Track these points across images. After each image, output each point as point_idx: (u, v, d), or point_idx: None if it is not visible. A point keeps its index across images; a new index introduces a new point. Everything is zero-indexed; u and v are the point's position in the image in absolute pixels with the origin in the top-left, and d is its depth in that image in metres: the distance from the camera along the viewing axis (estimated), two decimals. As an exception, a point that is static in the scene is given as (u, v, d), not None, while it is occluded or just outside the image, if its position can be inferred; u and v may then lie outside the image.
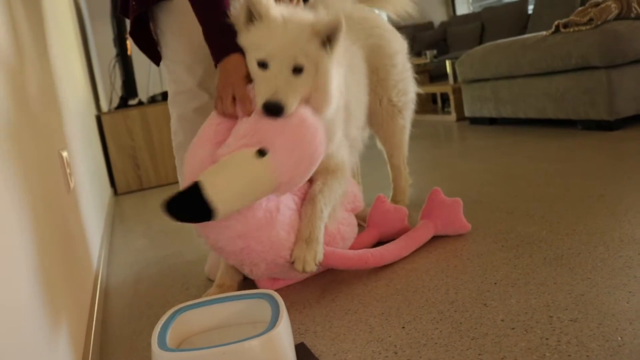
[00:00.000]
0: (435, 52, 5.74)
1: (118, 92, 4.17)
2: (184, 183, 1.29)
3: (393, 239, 1.58)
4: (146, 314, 1.48)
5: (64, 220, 1.31)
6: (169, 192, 1.25)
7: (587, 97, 2.88)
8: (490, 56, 3.55)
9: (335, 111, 1.41)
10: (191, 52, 1.55)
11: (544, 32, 3.16)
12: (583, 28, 2.86)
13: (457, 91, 4.33)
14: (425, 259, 1.51)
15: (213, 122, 1.36)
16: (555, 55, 2.99)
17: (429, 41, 6.59)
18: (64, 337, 0.99)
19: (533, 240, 1.50)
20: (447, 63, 4.61)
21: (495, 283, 1.28)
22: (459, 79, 4.00)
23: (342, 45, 1.33)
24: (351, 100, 1.61)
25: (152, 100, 4.03)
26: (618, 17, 2.83)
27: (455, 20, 6.88)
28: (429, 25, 7.26)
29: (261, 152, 1.23)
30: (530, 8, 5.56)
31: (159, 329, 1.04)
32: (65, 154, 1.55)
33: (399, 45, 1.88)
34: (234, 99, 1.34)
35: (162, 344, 0.99)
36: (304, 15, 1.34)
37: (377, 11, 1.99)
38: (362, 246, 1.57)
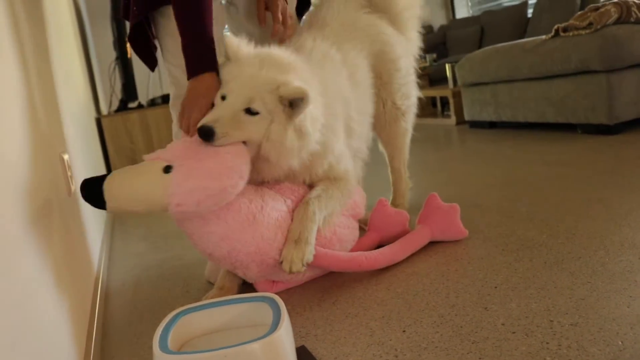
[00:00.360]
0: (434, 55, 5.75)
1: (118, 95, 4.18)
2: None
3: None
4: (147, 317, 1.48)
5: (64, 223, 1.31)
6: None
7: (587, 101, 2.89)
8: (489, 60, 3.56)
9: (329, 128, 1.44)
10: None
11: (544, 36, 3.17)
12: (582, 32, 2.86)
13: (457, 95, 4.34)
14: (425, 262, 1.52)
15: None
16: (555, 59, 2.99)
17: (428, 45, 6.58)
18: (65, 340, 0.99)
19: (533, 244, 1.50)
20: (447, 67, 4.61)
21: (496, 287, 1.28)
22: (459, 82, 4.00)
23: (308, 108, 1.33)
24: (353, 116, 1.62)
25: (152, 103, 4.04)
26: (618, 22, 2.83)
27: (454, 23, 6.89)
28: (429, 28, 7.26)
29: (167, 169, 1.26)
30: (530, 12, 5.57)
31: (160, 332, 1.05)
32: (66, 156, 1.55)
33: (403, 49, 1.89)
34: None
35: (164, 347, 0.99)
36: (279, 67, 1.35)
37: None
38: (362, 249, 1.57)
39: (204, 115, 1.32)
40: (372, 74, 1.79)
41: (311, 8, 1.88)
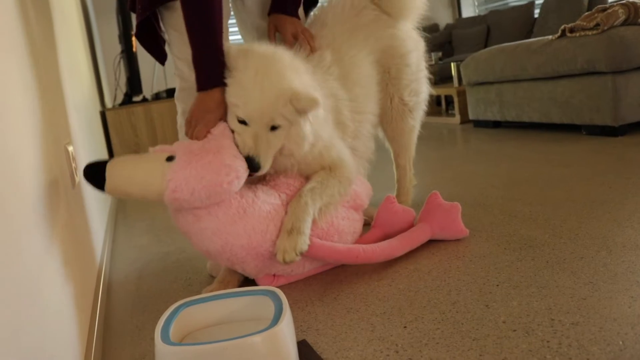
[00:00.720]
0: (440, 54, 5.74)
1: (122, 88, 4.18)
2: None
3: (396, 240, 1.58)
4: (149, 309, 1.49)
5: (68, 214, 1.32)
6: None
7: (592, 103, 2.88)
8: (495, 59, 3.55)
9: (317, 117, 1.45)
10: None
11: (550, 37, 3.16)
12: (589, 33, 2.86)
13: (462, 94, 4.34)
14: (427, 259, 1.52)
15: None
16: (561, 59, 2.99)
17: (434, 43, 6.58)
18: (68, 331, 1.00)
19: (536, 244, 1.50)
20: (452, 65, 4.61)
21: (498, 285, 1.28)
22: (464, 81, 4.00)
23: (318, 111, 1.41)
24: (345, 113, 1.63)
25: (156, 97, 4.04)
26: (625, 23, 2.83)
27: (460, 22, 6.87)
28: (434, 27, 7.25)
29: (170, 158, 1.32)
30: (537, 12, 5.55)
31: (162, 324, 1.05)
32: (71, 148, 1.56)
33: (413, 44, 1.87)
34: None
35: (166, 339, 1.00)
36: (280, 73, 1.36)
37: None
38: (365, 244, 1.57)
39: (209, 129, 1.39)
40: (377, 71, 1.78)
41: (319, 4, 1.87)
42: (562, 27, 3.06)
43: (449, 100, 5.18)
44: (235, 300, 1.16)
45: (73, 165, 1.54)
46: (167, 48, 1.65)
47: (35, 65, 1.27)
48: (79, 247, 1.37)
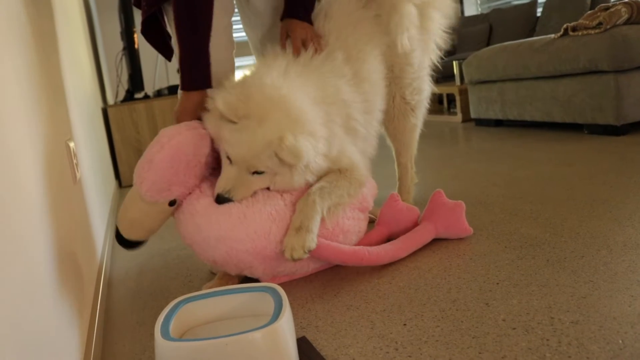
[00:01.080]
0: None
1: (124, 85, 4.18)
2: None
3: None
4: (149, 305, 1.49)
5: (69, 210, 1.32)
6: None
7: (595, 102, 2.88)
8: (497, 58, 3.55)
9: (325, 126, 1.44)
10: None
11: (553, 35, 3.16)
12: (592, 32, 2.85)
13: (464, 92, 4.33)
14: (428, 257, 1.52)
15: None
16: (563, 58, 2.98)
17: (436, 42, 6.57)
18: (68, 326, 1.00)
19: (536, 242, 1.50)
20: (454, 64, 4.60)
21: (498, 283, 1.28)
22: (466, 80, 3.99)
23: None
24: (356, 117, 1.60)
25: (158, 94, 4.03)
26: (628, 22, 2.82)
27: (463, 21, 6.86)
28: (437, 25, 7.23)
29: (172, 203, 1.43)
30: (539, 10, 5.54)
31: (162, 319, 1.05)
32: (72, 144, 1.56)
33: (416, 42, 1.87)
34: None
35: (166, 334, 1.00)
36: (274, 118, 1.33)
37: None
38: (370, 244, 1.56)
39: None
40: (383, 66, 1.77)
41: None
42: (565, 25, 3.05)
43: (450, 98, 5.17)
44: (235, 296, 1.16)
45: (74, 161, 1.54)
46: (172, 44, 1.65)
47: (37, 62, 1.27)
48: (79, 242, 1.37)
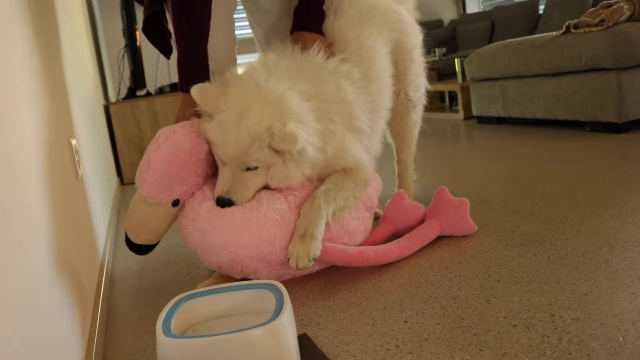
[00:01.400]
0: (444, 50, 5.74)
1: (126, 82, 4.18)
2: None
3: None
4: (151, 302, 1.49)
5: (72, 207, 1.32)
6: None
7: (596, 99, 2.87)
8: (499, 55, 3.54)
9: (325, 131, 1.42)
10: None
11: (554, 33, 3.15)
12: (594, 29, 2.85)
13: (465, 90, 4.33)
14: (429, 255, 1.52)
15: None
16: (565, 56, 2.98)
17: (438, 39, 6.58)
18: (70, 323, 1.00)
19: (537, 240, 1.50)
20: (456, 61, 4.60)
21: (499, 280, 1.28)
22: (468, 77, 3.99)
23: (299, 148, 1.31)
24: (361, 117, 1.56)
25: (160, 91, 4.04)
26: (630, 19, 2.81)
27: (465, 18, 6.86)
28: (439, 23, 7.24)
29: (175, 202, 1.44)
30: (541, 8, 5.53)
31: (163, 316, 1.05)
32: (74, 141, 1.56)
33: (417, 39, 1.87)
34: None
35: (167, 331, 1.00)
36: (259, 110, 1.30)
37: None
38: (375, 241, 1.56)
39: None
40: (392, 65, 1.75)
41: None
42: (567, 23, 3.05)
43: (452, 96, 5.17)
44: (236, 293, 1.16)
45: (76, 158, 1.54)
46: (172, 42, 1.66)
47: (40, 59, 1.27)
48: (81, 239, 1.37)
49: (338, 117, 1.47)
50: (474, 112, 4.00)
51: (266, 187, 1.43)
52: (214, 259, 1.38)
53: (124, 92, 4.16)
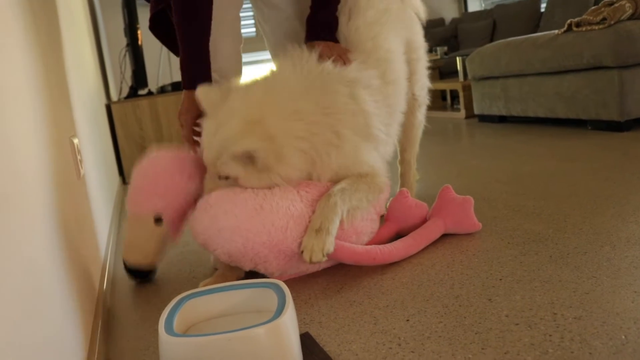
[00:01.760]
0: (445, 48, 5.73)
1: (128, 81, 4.19)
2: None
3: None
4: (153, 301, 1.50)
5: (74, 206, 1.32)
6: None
7: (598, 97, 2.87)
8: (501, 54, 3.54)
9: (325, 142, 1.42)
10: None
11: (556, 31, 3.15)
12: (596, 27, 2.84)
13: (467, 88, 4.33)
14: (431, 253, 1.52)
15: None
16: (567, 54, 2.97)
17: (439, 37, 6.58)
18: (72, 322, 1.01)
19: (539, 238, 1.50)
20: (458, 60, 4.60)
21: (501, 279, 1.28)
22: (469, 76, 3.99)
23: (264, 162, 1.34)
24: (377, 126, 1.55)
25: (162, 90, 4.04)
26: (632, 17, 2.81)
27: (466, 17, 6.85)
28: (440, 21, 7.23)
29: (157, 220, 1.56)
30: (543, 6, 5.52)
31: (166, 315, 1.06)
32: (76, 140, 1.56)
33: (422, 38, 1.87)
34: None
35: (169, 330, 1.00)
36: (237, 126, 1.34)
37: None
38: (379, 240, 1.56)
39: (189, 129, 1.56)
40: (406, 65, 1.74)
41: None
42: (569, 21, 3.04)
43: (454, 94, 5.17)
44: (238, 292, 1.16)
45: (78, 157, 1.55)
46: None
47: (41, 58, 1.27)
48: (83, 238, 1.38)
49: (349, 129, 1.46)
50: (476, 111, 3.99)
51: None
52: (225, 246, 1.35)
53: (125, 91, 4.17)
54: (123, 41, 4.16)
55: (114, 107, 3.64)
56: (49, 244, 0.94)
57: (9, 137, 0.82)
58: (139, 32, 3.99)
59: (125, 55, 4.16)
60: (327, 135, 1.42)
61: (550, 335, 1.01)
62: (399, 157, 1.99)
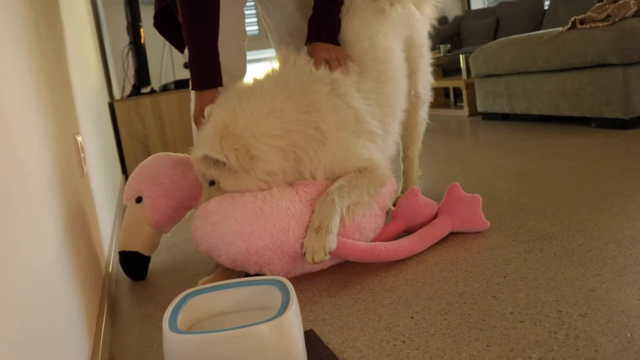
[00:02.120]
0: (449, 46, 5.72)
1: (131, 80, 4.19)
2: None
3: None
4: (156, 298, 1.50)
5: (78, 204, 1.32)
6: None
7: (602, 95, 2.86)
8: (504, 51, 3.53)
9: (309, 140, 1.43)
10: None
11: (560, 28, 3.14)
12: (600, 25, 2.83)
13: (470, 86, 4.32)
14: (435, 251, 1.52)
15: None
16: (571, 51, 2.96)
17: (442, 35, 6.56)
18: (76, 319, 1.01)
19: (544, 236, 1.49)
20: (461, 57, 4.59)
21: (505, 276, 1.28)
22: (472, 73, 3.98)
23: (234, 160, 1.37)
24: (370, 121, 1.54)
25: (165, 88, 4.04)
26: (637, 14, 2.80)
27: (469, 14, 6.83)
28: (443, 19, 7.21)
29: (138, 199, 1.66)
30: (547, 4, 5.51)
31: (170, 312, 1.06)
32: (79, 138, 1.56)
33: (426, 35, 1.86)
34: None
35: (174, 327, 1.00)
36: (206, 135, 1.40)
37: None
38: (386, 237, 1.55)
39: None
40: (405, 63, 1.73)
41: None
42: (573, 18, 3.03)
43: (457, 92, 5.15)
44: (242, 289, 1.16)
45: (82, 155, 1.55)
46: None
47: (45, 57, 1.27)
48: (87, 235, 1.38)
49: (332, 125, 1.45)
50: (479, 109, 3.98)
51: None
52: (228, 250, 1.35)
53: (128, 89, 4.17)
54: (126, 39, 4.16)
55: (116, 106, 3.64)
56: (53, 241, 0.94)
57: (13, 134, 0.82)
58: (141, 30, 3.99)
59: (128, 53, 4.16)
60: (308, 131, 1.43)
61: (555, 333, 1.00)
62: (401, 155, 1.99)
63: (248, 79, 1.54)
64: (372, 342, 1.07)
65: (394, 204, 1.70)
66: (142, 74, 3.99)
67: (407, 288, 1.30)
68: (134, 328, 1.34)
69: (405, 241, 1.49)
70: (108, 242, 1.86)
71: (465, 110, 4.41)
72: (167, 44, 3.81)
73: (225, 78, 1.56)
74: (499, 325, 1.06)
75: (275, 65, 1.53)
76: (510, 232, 1.56)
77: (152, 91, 4.02)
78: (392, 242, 1.47)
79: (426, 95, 1.90)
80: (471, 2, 7.51)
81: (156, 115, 3.72)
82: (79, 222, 1.28)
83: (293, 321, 0.99)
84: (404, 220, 1.62)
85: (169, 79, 4.95)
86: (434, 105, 2.00)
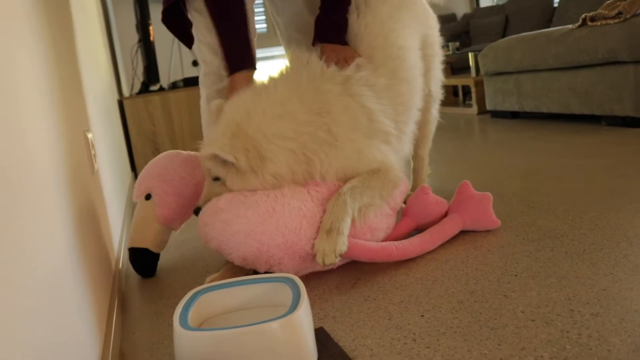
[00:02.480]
0: (457, 44, 5.69)
1: (140, 77, 4.21)
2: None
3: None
4: (166, 295, 1.50)
5: (88, 201, 1.33)
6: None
7: (613, 93, 2.84)
8: (513, 49, 3.51)
9: (319, 142, 1.42)
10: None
11: (570, 26, 3.11)
12: (611, 22, 2.81)
13: (479, 84, 4.29)
14: (445, 249, 1.51)
15: None
16: (581, 49, 2.94)
17: (451, 33, 6.53)
18: (86, 316, 1.01)
19: (555, 234, 1.48)
20: (470, 55, 4.56)
21: (516, 275, 1.27)
22: (482, 71, 3.96)
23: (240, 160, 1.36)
24: (383, 121, 1.52)
25: (173, 86, 4.05)
26: (648, 11, 2.77)
27: (478, 12, 6.80)
28: (452, 17, 7.18)
29: (147, 196, 1.67)
30: (556, 1, 5.47)
31: (180, 309, 1.06)
32: (90, 135, 1.57)
33: (438, 32, 1.85)
34: None
35: (184, 324, 1.01)
36: (216, 134, 1.41)
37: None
38: (396, 236, 1.55)
39: None
40: (421, 62, 1.72)
41: None
42: (583, 15, 3.01)
43: (466, 90, 5.13)
44: (253, 286, 1.16)
45: (92, 152, 1.55)
46: (193, 31, 1.66)
47: (55, 55, 1.28)
48: (97, 233, 1.38)
49: (344, 127, 1.44)
50: (488, 107, 3.96)
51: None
52: (240, 250, 1.35)
53: (137, 87, 4.19)
54: (135, 37, 4.18)
55: (126, 103, 3.65)
56: (63, 238, 0.94)
57: (25, 131, 0.83)
58: (150, 28, 4.00)
59: (137, 51, 4.18)
60: (319, 134, 1.41)
61: (567, 332, 1.00)
62: (412, 153, 1.98)
63: (262, 77, 1.53)
64: (382, 340, 1.07)
65: (404, 202, 1.69)
66: (151, 72, 4.01)
67: (418, 286, 1.30)
68: (144, 324, 1.34)
69: (415, 240, 1.49)
70: (118, 239, 1.87)
71: (474, 108, 4.39)
72: (176, 41, 3.81)
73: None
74: (510, 324, 1.06)
75: (288, 64, 1.53)
76: (521, 231, 1.55)
77: (161, 89, 4.03)
78: (403, 242, 1.47)
79: (438, 93, 1.89)
80: (480, 0, 7.48)
81: (165, 113, 3.73)
82: (89, 219, 1.28)
83: (304, 319, 0.99)
84: (414, 219, 1.61)
85: (177, 76, 4.97)
86: (442, 103, 1.98)
